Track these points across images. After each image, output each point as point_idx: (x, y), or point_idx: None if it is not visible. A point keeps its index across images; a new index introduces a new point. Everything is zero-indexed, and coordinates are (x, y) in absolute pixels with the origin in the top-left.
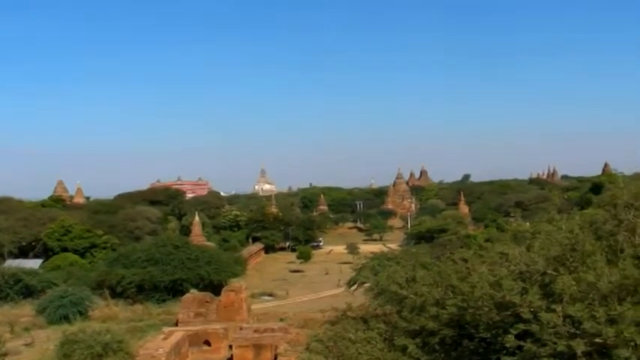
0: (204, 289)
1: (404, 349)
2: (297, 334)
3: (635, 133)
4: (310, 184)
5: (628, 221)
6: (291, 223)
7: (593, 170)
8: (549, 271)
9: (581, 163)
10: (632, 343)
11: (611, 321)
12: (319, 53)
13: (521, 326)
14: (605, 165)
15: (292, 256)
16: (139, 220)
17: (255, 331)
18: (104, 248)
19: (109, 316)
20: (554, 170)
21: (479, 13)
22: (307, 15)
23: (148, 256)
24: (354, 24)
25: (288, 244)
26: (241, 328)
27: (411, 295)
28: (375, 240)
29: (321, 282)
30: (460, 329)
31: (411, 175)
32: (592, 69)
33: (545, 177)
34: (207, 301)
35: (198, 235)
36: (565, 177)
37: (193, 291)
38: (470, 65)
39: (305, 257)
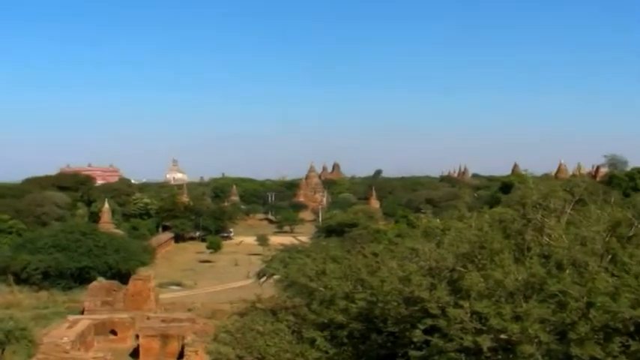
0: (111, 277)
1: (312, 342)
2: (204, 325)
3: (544, 134)
4: (222, 174)
5: (536, 221)
6: (201, 213)
7: (503, 170)
8: (458, 268)
9: (491, 162)
10: (536, 340)
11: (517, 318)
12: (234, 43)
13: (429, 321)
14: (515, 165)
15: (202, 246)
16: (47, 206)
17: (163, 320)
18: (10, 233)
19: (12, 302)
20: (465, 169)
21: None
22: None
23: (54, 242)
24: (262, 14)
25: (198, 233)
26: (148, 318)
27: (320, 288)
28: (285, 232)
29: (231, 273)
30: (369, 323)
31: (324, 168)
32: (504, 71)
33: (456, 175)
34: (114, 290)
35: (107, 223)
36: (475, 176)
37: (100, 279)
38: (382, 60)
39: (215, 247)
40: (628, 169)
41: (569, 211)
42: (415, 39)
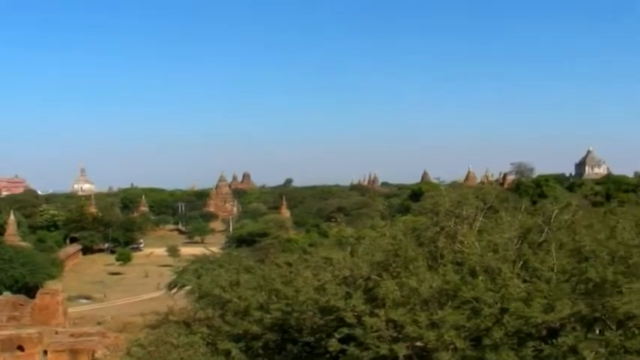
0: (18, 291)
1: (227, 354)
2: (115, 339)
3: (454, 141)
4: (131, 185)
5: (449, 228)
6: (110, 224)
7: (413, 178)
8: (373, 276)
9: (401, 170)
10: (451, 347)
11: (433, 325)
12: (140, 48)
13: (345, 330)
14: (424, 173)
15: (111, 258)
16: None
17: (72, 335)
18: None
19: None
20: (375, 177)
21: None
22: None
23: None
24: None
25: (107, 245)
26: (57, 333)
27: (234, 299)
28: (196, 242)
29: (141, 285)
30: (284, 333)
31: (234, 178)
32: (410, 80)
33: (366, 183)
34: (21, 304)
35: (12, 235)
36: (385, 184)
37: (7, 293)
38: (290, 68)
39: (124, 259)
40: (534, 176)
41: (481, 218)
42: (320, 48)
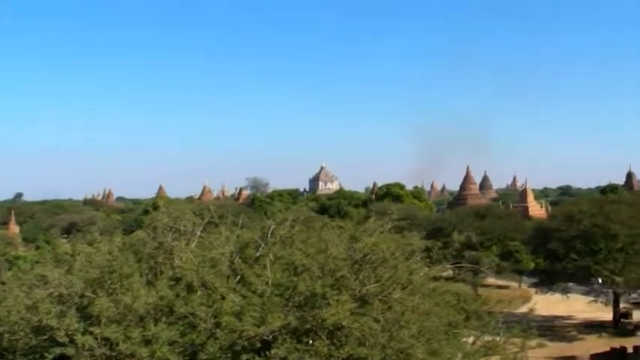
0: None
1: None
2: None
3: (190, 157)
4: None
5: (167, 244)
6: None
7: (150, 193)
8: (88, 294)
9: (137, 185)
10: None
11: (147, 341)
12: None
13: (58, 350)
14: (160, 188)
15: None
16: None
17: None
18: None
19: None
20: (110, 192)
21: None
22: None
23: None
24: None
25: None
26: None
27: None
28: None
29: None
30: None
31: None
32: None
33: (100, 198)
34: None
35: None
36: (121, 199)
37: None
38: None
39: None
40: (269, 191)
41: (199, 233)
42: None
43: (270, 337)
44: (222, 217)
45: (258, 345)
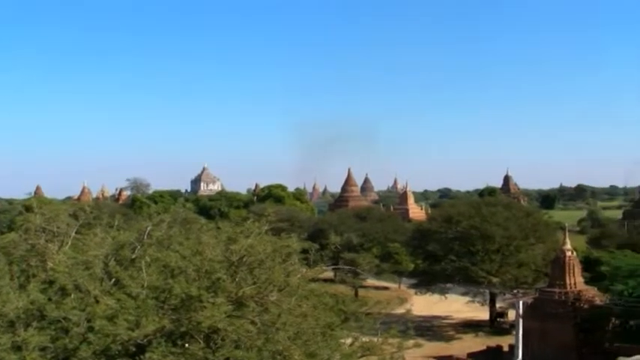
0: None
1: None
2: None
3: (70, 157)
4: None
5: (40, 246)
6: None
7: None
8: None
9: (13, 184)
10: None
11: (18, 347)
12: None
13: None
14: (37, 188)
15: None
16: None
17: None
18: None
19: None
20: None
21: None
22: None
23: None
24: None
25: None
26: None
27: None
28: None
29: None
30: None
31: None
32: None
33: None
34: None
35: None
36: None
37: None
38: None
39: None
40: (150, 191)
41: (73, 234)
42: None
43: (145, 340)
44: (98, 218)
45: (133, 349)
